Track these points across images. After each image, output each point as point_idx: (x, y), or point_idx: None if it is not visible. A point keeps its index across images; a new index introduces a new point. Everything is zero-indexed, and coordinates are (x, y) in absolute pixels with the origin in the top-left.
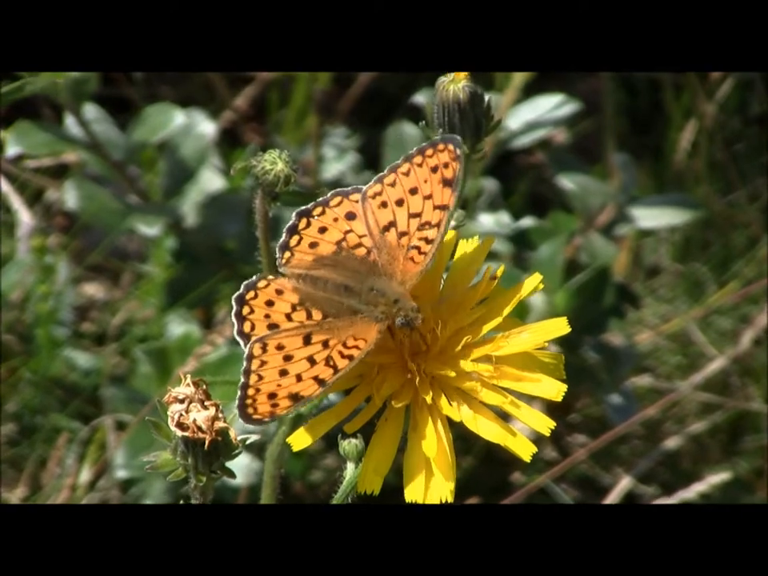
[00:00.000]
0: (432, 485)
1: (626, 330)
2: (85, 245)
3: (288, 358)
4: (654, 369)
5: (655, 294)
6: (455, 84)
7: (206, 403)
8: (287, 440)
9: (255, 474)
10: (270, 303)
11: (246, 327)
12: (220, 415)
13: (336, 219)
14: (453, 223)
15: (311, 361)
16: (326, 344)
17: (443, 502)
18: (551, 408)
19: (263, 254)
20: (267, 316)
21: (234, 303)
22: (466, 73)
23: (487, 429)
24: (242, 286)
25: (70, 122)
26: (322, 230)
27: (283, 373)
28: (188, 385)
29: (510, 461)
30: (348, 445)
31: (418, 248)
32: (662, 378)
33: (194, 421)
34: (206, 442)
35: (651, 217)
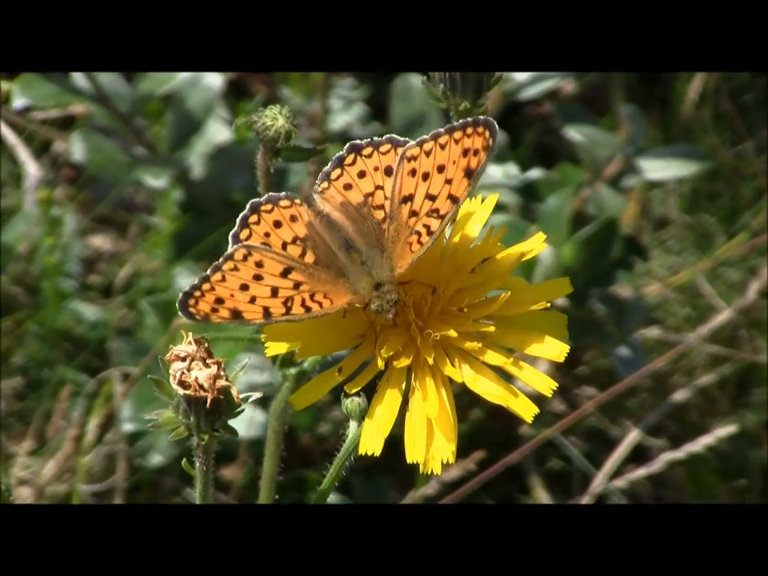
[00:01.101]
0: (433, 446)
1: (634, 282)
2: (92, 197)
3: (258, 277)
4: (663, 321)
5: (663, 245)
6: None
7: (208, 361)
8: (289, 399)
9: (259, 427)
10: (277, 224)
11: (244, 234)
12: (222, 373)
13: (376, 168)
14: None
15: (274, 292)
16: (297, 285)
17: (445, 462)
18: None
19: None
20: (267, 234)
21: (247, 207)
22: None
23: (488, 389)
24: (265, 197)
25: (77, 74)
26: (361, 174)
27: (244, 287)
28: (190, 343)
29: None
30: (351, 403)
31: (419, 234)
32: (671, 330)
33: (196, 379)
34: (208, 400)
35: (659, 168)
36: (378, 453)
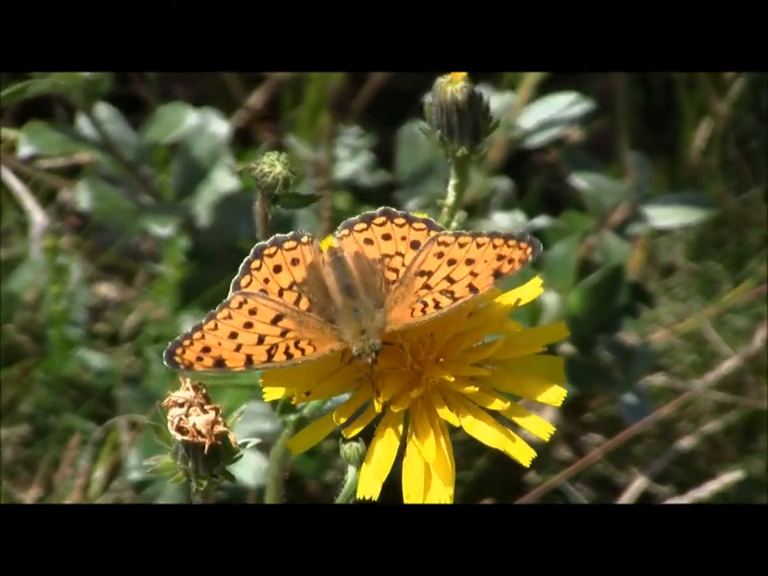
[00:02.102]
0: (431, 490)
1: (641, 328)
2: (98, 245)
3: (248, 325)
4: (669, 368)
5: (670, 292)
6: (453, 85)
7: (206, 407)
8: (286, 443)
9: (265, 475)
10: (277, 269)
11: (245, 281)
12: (220, 419)
13: (404, 238)
14: (454, 224)
15: (261, 339)
16: (284, 333)
17: None
18: (565, 408)
19: None
20: (266, 281)
21: (252, 252)
22: (465, 73)
23: (486, 434)
24: (271, 239)
25: (83, 122)
26: (386, 236)
27: (233, 336)
28: (188, 389)
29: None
30: (349, 449)
31: (425, 304)
32: (677, 376)
33: (194, 425)
34: (206, 446)
35: (665, 216)
36: (375, 497)
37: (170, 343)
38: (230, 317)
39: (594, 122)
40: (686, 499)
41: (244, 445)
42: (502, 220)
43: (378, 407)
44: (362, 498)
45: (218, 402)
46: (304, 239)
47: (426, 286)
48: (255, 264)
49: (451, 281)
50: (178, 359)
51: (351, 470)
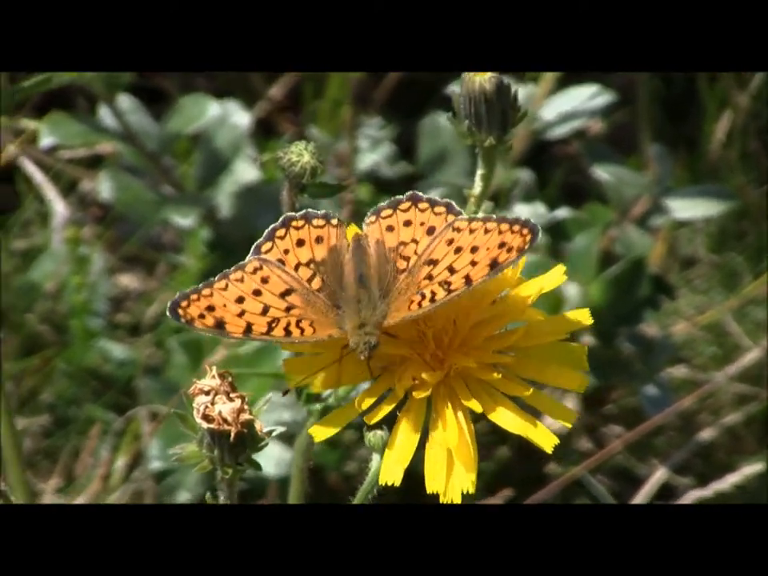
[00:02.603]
0: (453, 476)
1: (662, 320)
2: (119, 235)
3: (256, 293)
4: (690, 360)
5: (691, 284)
6: (481, 75)
7: (232, 395)
8: (309, 431)
9: (286, 465)
10: (300, 243)
11: (266, 247)
12: (246, 407)
13: (422, 224)
14: (480, 214)
15: (265, 310)
16: (289, 309)
17: (465, 493)
18: (587, 399)
19: None
20: (286, 251)
21: (279, 221)
22: None
23: (509, 420)
24: (303, 212)
25: (104, 113)
26: (407, 223)
27: (239, 300)
28: (213, 377)
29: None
30: (374, 437)
31: (423, 297)
32: (698, 368)
33: (220, 413)
34: (232, 434)
35: (686, 208)
36: (398, 483)
37: (177, 293)
38: (241, 280)
39: (615, 114)
40: (707, 491)
41: (270, 433)
42: (524, 211)
43: (400, 393)
44: (384, 485)
45: (241, 390)
46: (334, 221)
47: (429, 276)
48: (280, 233)
49: (452, 270)
50: (180, 311)
51: (376, 457)
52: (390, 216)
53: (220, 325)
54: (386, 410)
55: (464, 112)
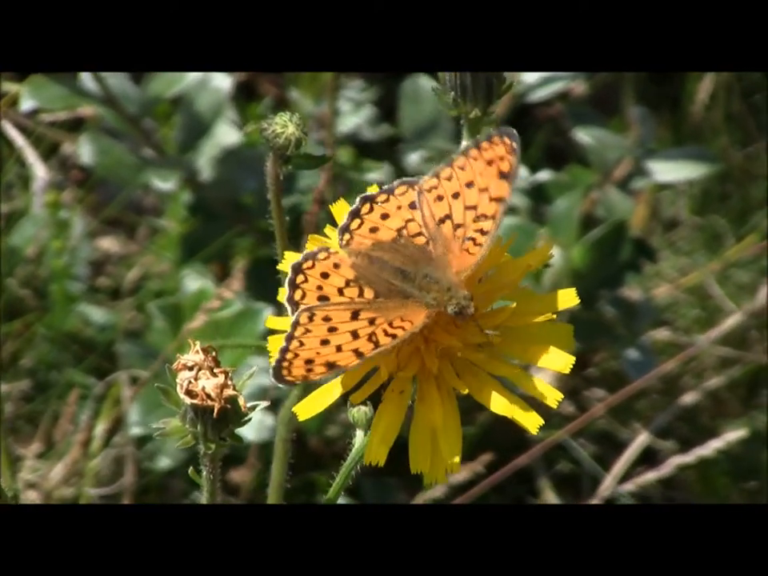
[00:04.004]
0: (438, 456)
1: (644, 283)
2: (100, 199)
3: (332, 330)
4: (672, 323)
5: (673, 247)
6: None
7: (215, 370)
8: (293, 409)
9: (268, 431)
10: (324, 275)
11: (297, 295)
12: (229, 383)
13: (399, 207)
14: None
15: (354, 335)
16: (372, 321)
17: (449, 472)
18: None
19: (275, 216)
20: (320, 287)
21: (290, 270)
22: None
23: (494, 400)
24: (302, 256)
25: (85, 76)
26: (385, 216)
27: (324, 342)
28: (197, 352)
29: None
30: (357, 412)
31: (473, 239)
32: (680, 332)
33: (203, 388)
34: (215, 410)
35: (669, 170)
36: (382, 463)
37: (271, 369)
38: (308, 331)
39: (598, 76)
40: (689, 457)
41: (253, 408)
42: None
43: (385, 373)
44: (369, 464)
45: (221, 356)
46: (332, 250)
47: (457, 226)
48: (300, 278)
49: (472, 207)
50: (290, 378)
51: (359, 433)
52: (361, 224)
53: (332, 366)
54: (371, 388)
55: (449, 83)
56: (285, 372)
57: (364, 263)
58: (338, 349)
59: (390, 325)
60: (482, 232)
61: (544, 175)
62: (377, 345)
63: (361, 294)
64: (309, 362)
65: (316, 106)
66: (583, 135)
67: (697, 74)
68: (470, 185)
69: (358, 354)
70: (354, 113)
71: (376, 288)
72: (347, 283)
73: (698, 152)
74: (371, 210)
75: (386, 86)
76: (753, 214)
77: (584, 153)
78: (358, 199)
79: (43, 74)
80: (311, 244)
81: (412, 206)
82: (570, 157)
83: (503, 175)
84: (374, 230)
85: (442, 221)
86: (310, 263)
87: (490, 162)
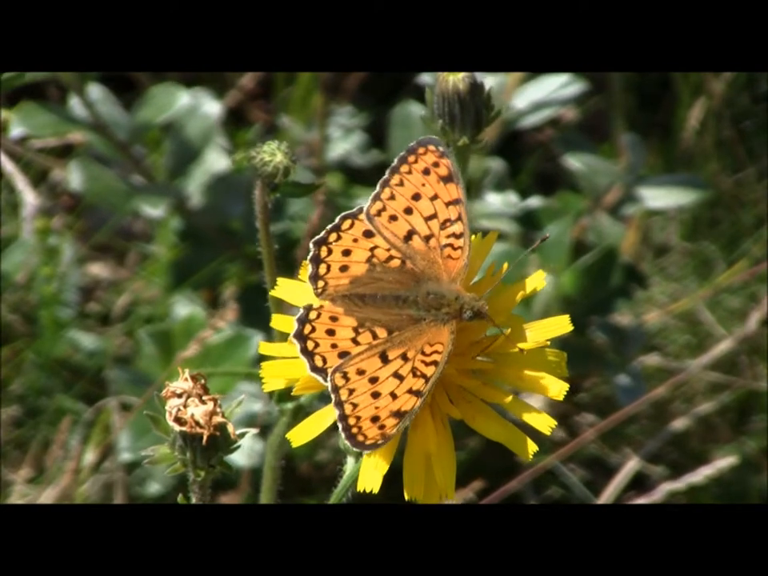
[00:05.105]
0: (431, 482)
1: (635, 309)
2: (90, 225)
3: (374, 380)
4: (663, 348)
5: (664, 273)
6: (455, 75)
7: (204, 398)
8: (287, 436)
9: (258, 456)
10: (330, 332)
11: (318, 362)
12: (218, 410)
13: (355, 240)
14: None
15: (398, 377)
16: (404, 357)
17: (443, 499)
18: None
19: (263, 244)
20: (334, 346)
21: (295, 342)
22: None
23: (488, 427)
24: (295, 323)
25: (75, 103)
26: (346, 252)
27: (375, 395)
28: (186, 379)
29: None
30: None
31: (451, 245)
32: (671, 357)
33: (192, 416)
34: (204, 437)
35: (659, 197)
36: (376, 490)
37: (345, 437)
38: (352, 391)
39: (589, 102)
40: (679, 484)
41: (242, 435)
42: (495, 200)
43: None
44: (362, 491)
45: (211, 383)
46: (315, 306)
47: (427, 238)
48: (311, 344)
49: (432, 217)
50: (371, 441)
51: (350, 460)
52: (328, 267)
53: (398, 414)
54: None
55: (437, 111)
56: (361, 438)
57: (356, 305)
58: (393, 396)
59: (423, 353)
60: (456, 235)
61: (534, 201)
62: (425, 377)
63: (375, 336)
64: (375, 419)
65: (306, 132)
66: (574, 161)
67: (687, 100)
68: (416, 197)
69: (415, 393)
70: (343, 139)
71: (385, 324)
72: (356, 331)
73: (689, 178)
74: (330, 252)
75: (376, 112)
76: (743, 239)
77: (574, 179)
78: (311, 246)
79: (32, 101)
80: (304, 273)
81: (367, 234)
82: (561, 183)
83: (445, 179)
84: (343, 268)
85: (408, 238)
86: (309, 327)
87: (426, 172)
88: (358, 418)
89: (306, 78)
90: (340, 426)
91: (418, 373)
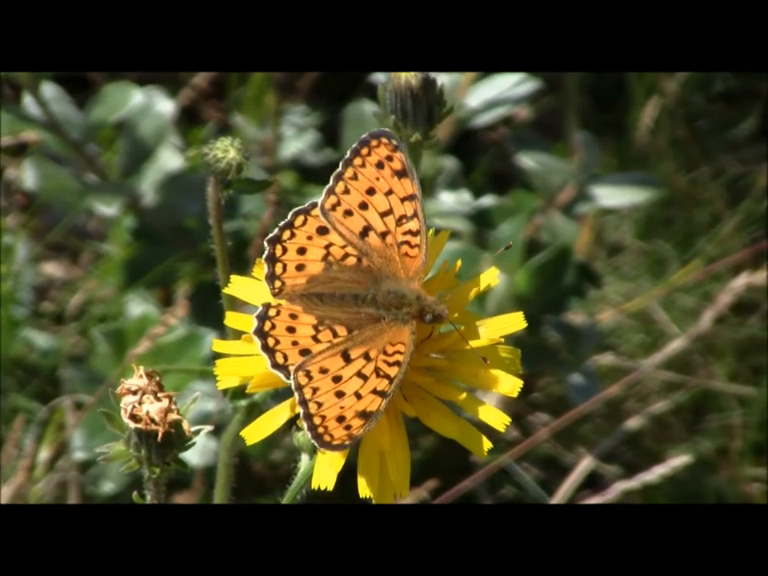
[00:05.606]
0: (386, 480)
1: (588, 308)
2: (44, 224)
3: (337, 379)
4: (617, 347)
5: (617, 272)
6: (407, 71)
7: (159, 395)
8: (241, 433)
9: (211, 455)
10: (291, 330)
11: (280, 359)
12: (173, 407)
13: (310, 237)
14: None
15: (362, 376)
16: (367, 357)
17: (397, 497)
18: None
19: (216, 241)
20: (295, 343)
21: (256, 339)
22: None
23: (442, 424)
24: (255, 320)
25: (29, 101)
26: (301, 250)
27: (340, 394)
28: (141, 376)
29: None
30: (303, 436)
31: (407, 242)
32: (625, 356)
33: (147, 413)
34: (159, 434)
35: (613, 195)
36: (330, 487)
37: (311, 438)
38: (316, 389)
39: (543, 100)
40: (633, 483)
41: (197, 432)
42: (449, 199)
43: None
44: (317, 488)
45: (165, 381)
46: (273, 308)
47: (383, 235)
48: (271, 341)
49: (387, 213)
50: (338, 441)
51: (304, 457)
52: (284, 266)
53: (365, 415)
54: None
55: (390, 107)
56: (327, 438)
57: (315, 304)
58: (358, 396)
59: (386, 353)
60: (412, 233)
61: (488, 200)
62: (389, 377)
63: (335, 335)
64: (341, 419)
65: (259, 131)
66: (527, 160)
67: (641, 99)
68: (371, 191)
69: (379, 393)
70: (297, 138)
71: (345, 323)
72: (316, 329)
73: (643, 177)
74: (285, 250)
75: (329, 111)
76: (697, 238)
77: (528, 178)
78: (266, 244)
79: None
80: (258, 270)
81: (321, 231)
82: (514, 182)
83: (399, 174)
84: (299, 267)
85: (363, 234)
86: (269, 325)
87: (379, 165)
88: (323, 418)
89: (259, 78)
90: (305, 425)
91: (382, 373)
